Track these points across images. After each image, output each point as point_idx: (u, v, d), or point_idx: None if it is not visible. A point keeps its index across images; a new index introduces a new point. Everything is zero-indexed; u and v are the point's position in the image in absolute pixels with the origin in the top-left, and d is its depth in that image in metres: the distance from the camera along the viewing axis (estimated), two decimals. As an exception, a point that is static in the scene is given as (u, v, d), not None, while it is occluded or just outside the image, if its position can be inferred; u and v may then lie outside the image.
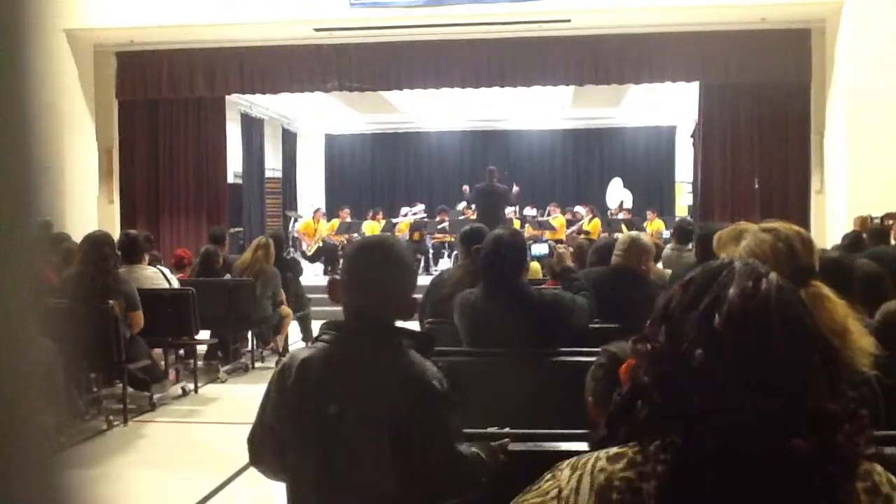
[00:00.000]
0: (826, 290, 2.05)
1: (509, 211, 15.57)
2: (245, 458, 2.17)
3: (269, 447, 2.07)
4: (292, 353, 2.12)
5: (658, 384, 1.06)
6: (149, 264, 6.88)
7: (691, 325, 1.05)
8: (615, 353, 1.92)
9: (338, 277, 2.12)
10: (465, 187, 14.07)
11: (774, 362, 1.01)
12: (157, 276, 6.73)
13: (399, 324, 2.13)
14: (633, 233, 5.19)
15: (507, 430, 2.33)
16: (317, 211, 15.90)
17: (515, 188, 13.61)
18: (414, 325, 3.42)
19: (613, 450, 1.09)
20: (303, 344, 8.02)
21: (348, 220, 15.17)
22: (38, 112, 0.53)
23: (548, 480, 1.13)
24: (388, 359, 2.01)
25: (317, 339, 2.10)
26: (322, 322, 2.16)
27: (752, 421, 0.98)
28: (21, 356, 0.53)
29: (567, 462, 1.13)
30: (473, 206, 13.51)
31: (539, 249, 5.47)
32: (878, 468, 1.05)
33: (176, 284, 6.97)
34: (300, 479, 2.05)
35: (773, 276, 1.08)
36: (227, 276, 7.94)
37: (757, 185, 11.47)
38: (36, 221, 0.54)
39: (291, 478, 2.08)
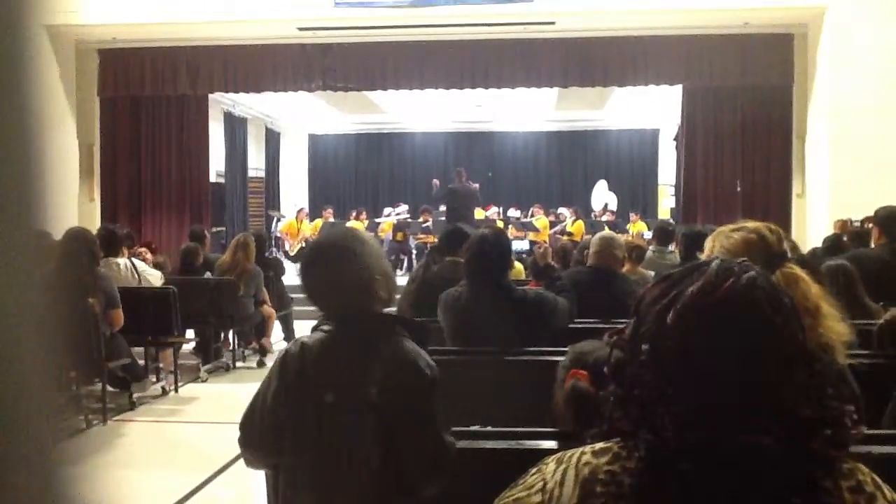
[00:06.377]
0: (800, 272, 2.09)
1: (493, 212, 15.56)
2: (225, 457, 2.16)
3: (264, 431, 2.07)
4: (295, 340, 2.15)
5: (615, 375, 1.06)
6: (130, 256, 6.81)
7: (650, 318, 1.05)
8: (580, 352, 1.92)
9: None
10: (436, 181, 13.94)
11: (730, 359, 1.00)
12: (126, 270, 6.62)
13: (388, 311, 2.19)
14: (607, 232, 5.21)
15: (488, 428, 2.33)
16: (300, 211, 15.85)
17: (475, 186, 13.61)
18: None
19: (599, 445, 1.09)
20: (285, 344, 8.00)
21: (331, 220, 15.13)
22: (32, 113, 0.52)
23: (533, 474, 1.13)
24: (383, 346, 2.06)
25: (316, 328, 2.14)
26: (308, 320, 2.18)
27: (704, 417, 0.97)
28: (19, 355, 0.52)
29: (553, 456, 1.13)
30: (443, 206, 13.39)
31: (520, 245, 5.50)
32: (863, 468, 1.04)
33: (153, 278, 6.87)
34: (293, 464, 2.07)
35: (748, 274, 1.04)
36: (208, 275, 7.89)
37: (739, 188, 11.54)
38: (31, 222, 0.53)
39: (285, 462, 2.09)
